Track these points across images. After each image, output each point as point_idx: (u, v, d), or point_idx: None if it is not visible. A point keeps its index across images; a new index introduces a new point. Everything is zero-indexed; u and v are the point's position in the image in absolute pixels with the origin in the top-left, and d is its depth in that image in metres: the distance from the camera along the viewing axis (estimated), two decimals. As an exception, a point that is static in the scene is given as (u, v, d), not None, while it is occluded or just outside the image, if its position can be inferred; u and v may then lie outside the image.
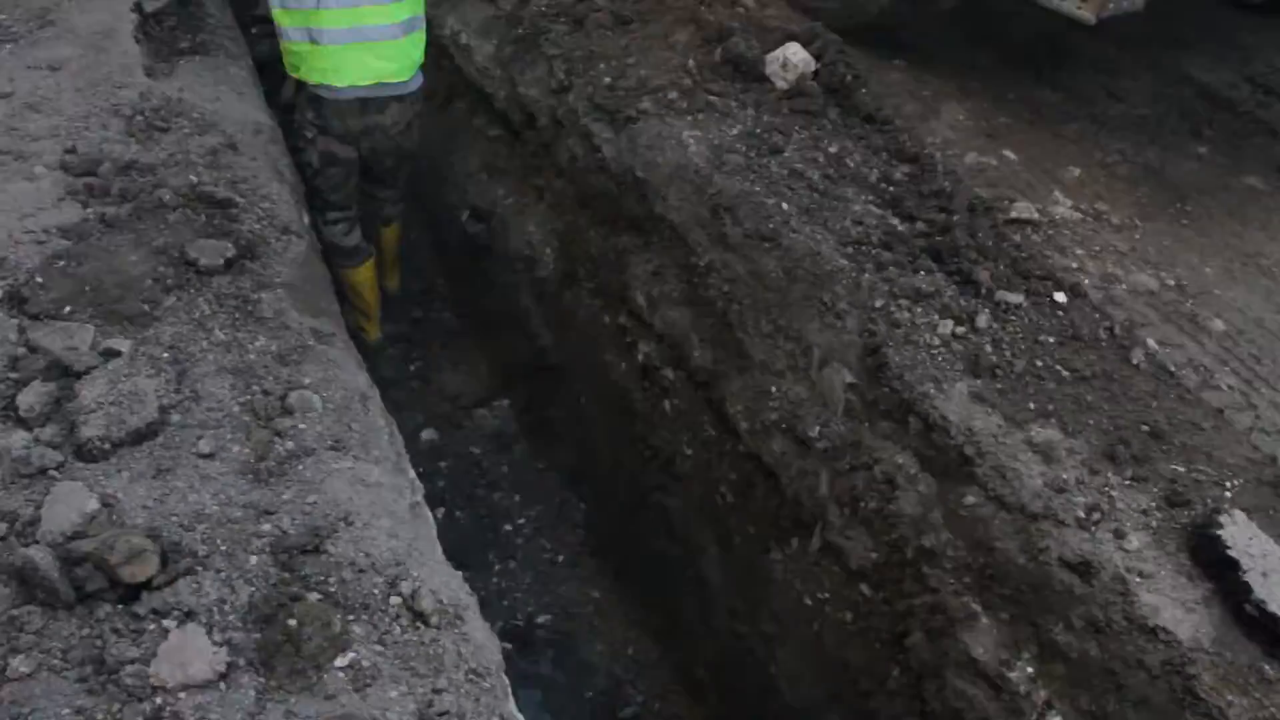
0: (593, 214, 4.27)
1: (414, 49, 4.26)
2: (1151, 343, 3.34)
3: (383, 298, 5.05)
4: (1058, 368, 3.11)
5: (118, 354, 2.73)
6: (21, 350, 2.74)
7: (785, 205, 3.55)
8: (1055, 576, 2.67)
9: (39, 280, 2.94)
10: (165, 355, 2.76)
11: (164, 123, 3.71)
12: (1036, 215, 3.87)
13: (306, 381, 2.77)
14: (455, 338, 5.43)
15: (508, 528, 4.67)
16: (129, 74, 3.99)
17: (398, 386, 4.86)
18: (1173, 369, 3.25)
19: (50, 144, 3.56)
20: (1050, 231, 3.85)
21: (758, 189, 3.61)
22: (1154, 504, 2.75)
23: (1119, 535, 2.67)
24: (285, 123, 4.51)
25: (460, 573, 2.53)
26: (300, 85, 4.29)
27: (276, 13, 4.11)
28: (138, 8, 4.42)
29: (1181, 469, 2.84)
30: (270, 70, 4.93)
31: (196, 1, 4.66)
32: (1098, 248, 3.84)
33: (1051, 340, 3.20)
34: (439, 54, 5.11)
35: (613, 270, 4.12)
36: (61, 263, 3.01)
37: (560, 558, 4.58)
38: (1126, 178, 4.28)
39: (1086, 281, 3.57)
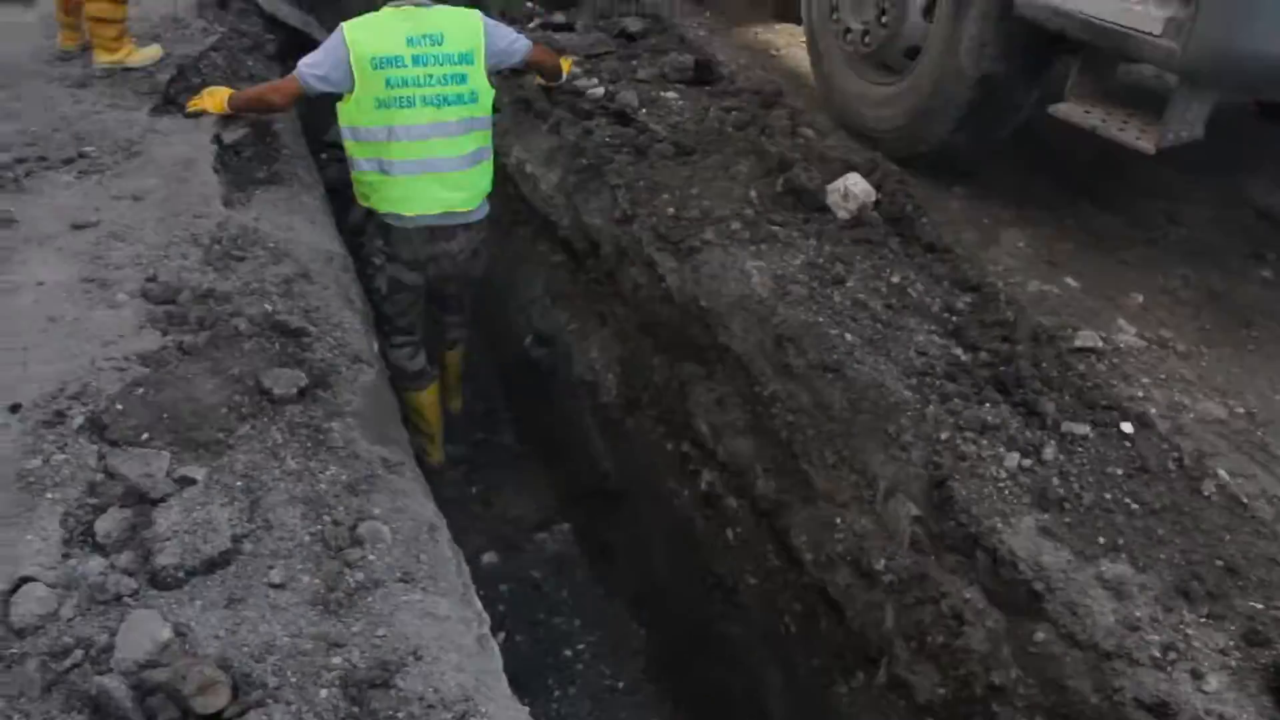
0: (656, 341, 4.32)
1: (481, 179, 4.37)
2: (1223, 473, 3.28)
3: (446, 419, 5.11)
4: (1127, 500, 3.07)
5: (193, 482, 2.79)
6: (100, 476, 2.81)
7: (849, 336, 3.58)
8: (1131, 718, 2.60)
9: (119, 407, 3.02)
10: (239, 484, 2.81)
11: (241, 252, 3.82)
12: (1100, 343, 3.85)
13: (376, 512, 2.80)
14: (517, 461, 5.46)
15: (568, 653, 4.63)
16: (208, 204, 4.13)
17: (459, 509, 4.87)
18: (1245, 500, 3.18)
19: (132, 272, 3.68)
20: (1115, 360, 3.82)
21: (821, 319, 3.65)
22: (1232, 643, 2.69)
23: (1196, 675, 2.60)
24: (353, 246, 4.63)
25: (526, 707, 2.51)
26: (369, 213, 4.40)
27: (348, 144, 4.23)
28: (217, 139, 4.60)
29: (1259, 606, 2.77)
30: (339, 194, 5.09)
31: (273, 133, 4.83)
32: (1164, 376, 3.80)
33: (1119, 472, 3.16)
34: (504, 181, 5.22)
35: (676, 398, 4.15)
36: (141, 390, 3.09)
37: (621, 684, 4.53)
38: (1190, 303, 4.25)
39: (1153, 411, 3.53)
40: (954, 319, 3.74)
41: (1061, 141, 4.55)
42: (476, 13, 4.27)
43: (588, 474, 4.91)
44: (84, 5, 5.29)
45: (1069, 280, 4.26)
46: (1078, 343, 3.80)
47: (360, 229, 4.68)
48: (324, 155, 5.92)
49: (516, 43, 4.39)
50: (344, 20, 4.11)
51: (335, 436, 3.03)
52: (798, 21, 5.77)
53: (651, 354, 4.36)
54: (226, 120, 4.64)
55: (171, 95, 4.99)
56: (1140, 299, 4.20)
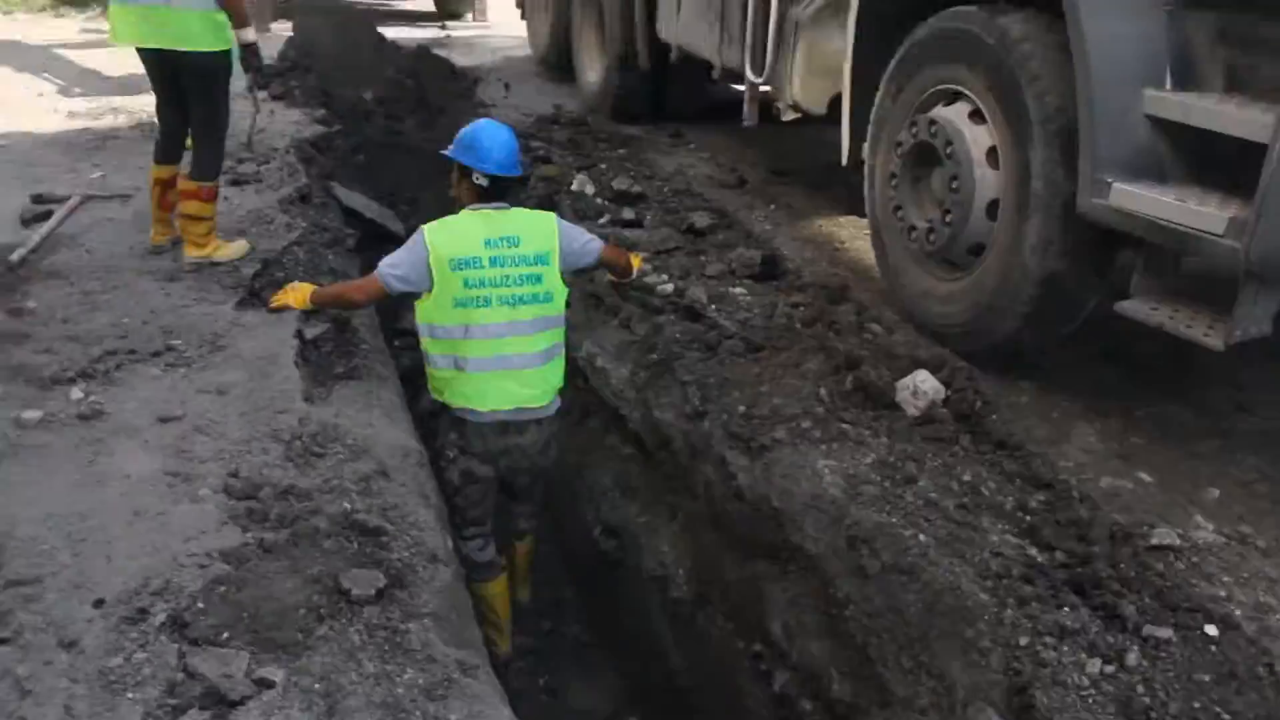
0: (727, 538, 4.32)
1: (554, 375, 4.46)
2: (1315, 680, 3.19)
3: (513, 609, 5.09)
4: (1217, 709, 2.97)
5: (271, 684, 2.81)
6: (180, 676, 2.84)
7: (922, 536, 3.56)
8: None
9: (200, 605, 3.07)
10: (317, 687, 2.82)
11: (320, 448, 3.91)
12: (1178, 541, 3.78)
13: (453, 718, 2.79)
14: (585, 652, 5.40)
15: None
16: (289, 399, 4.25)
17: (527, 701, 4.82)
18: (1342, 710, 3.09)
19: (215, 467, 3.78)
20: (1194, 558, 3.75)
21: (894, 520, 3.64)
22: None
23: None
24: (424, 433, 4.71)
25: None
26: (444, 407, 4.48)
27: (425, 341, 4.34)
28: (299, 334, 4.75)
29: (1362, 826, 2.67)
30: (411, 382, 5.21)
31: (351, 327, 4.98)
32: (1246, 574, 3.72)
33: (1207, 678, 3.07)
34: (574, 374, 5.29)
35: (748, 596, 4.12)
36: (222, 588, 3.14)
37: None
38: (1268, 496, 4.18)
39: (1238, 612, 3.45)
40: (1028, 518, 3.71)
41: (1126, 330, 4.56)
42: (552, 215, 4.45)
43: (657, 668, 4.84)
44: (177, 203, 5.58)
45: (1142, 475, 4.21)
46: (1155, 541, 3.73)
47: (431, 415, 4.78)
48: (396, 343, 6.09)
49: (590, 244, 4.54)
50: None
51: (412, 639, 3.05)
52: (862, 214, 5.91)
53: (723, 550, 4.35)
54: (308, 315, 4.81)
55: (256, 289, 5.20)
56: (1216, 493, 4.13)
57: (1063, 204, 4.28)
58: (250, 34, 5.47)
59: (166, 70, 5.38)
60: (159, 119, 5.73)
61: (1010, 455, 4.03)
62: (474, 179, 4.27)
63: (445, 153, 4.40)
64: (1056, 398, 4.68)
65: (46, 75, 10.35)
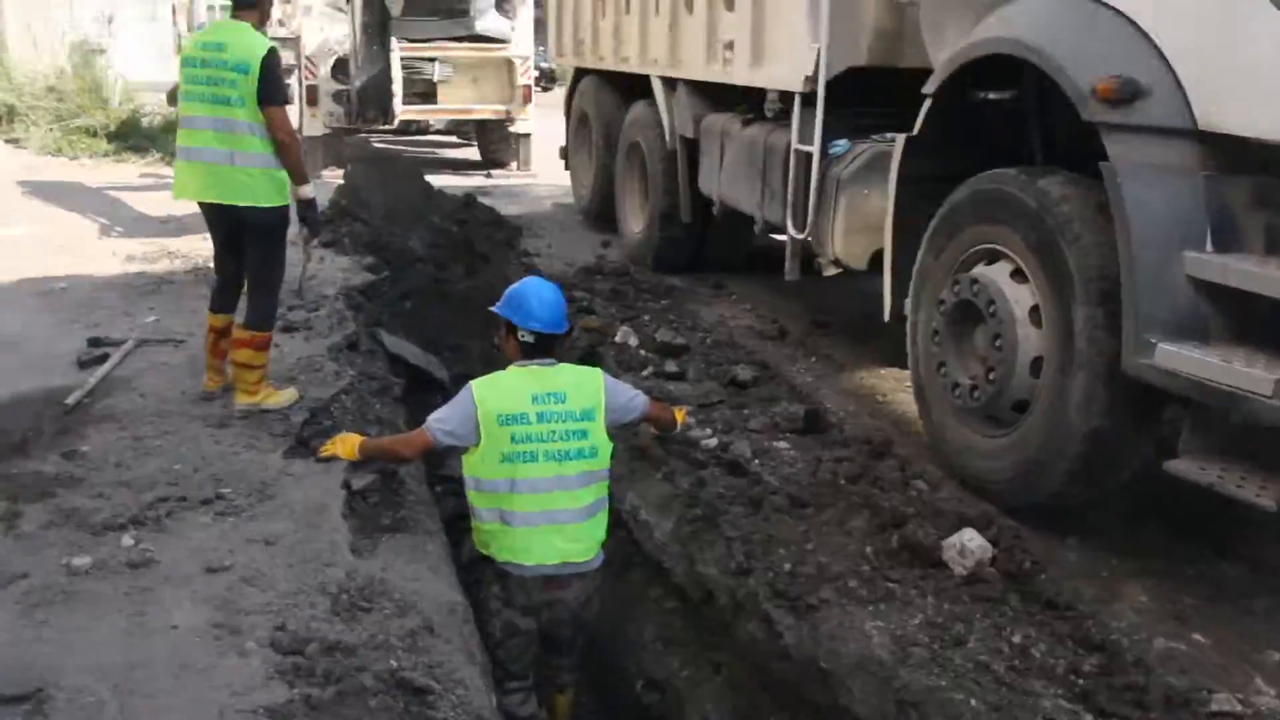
0: (772, 697, 4.26)
1: (597, 530, 4.45)
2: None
3: (554, 764, 5.01)
4: None
5: None
6: (224, 841, 2.81)
7: (974, 701, 3.50)
8: None
9: (247, 767, 3.05)
10: None
11: (367, 603, 3.91)
12: (1239, 708, 3.69)
13: None
14: (629, 810, 5.30)
15: None
16: (336, 551, 4.26)
17: None
18: None
19: (262, 620, 3.78)
20: (1257, 724, 3.68)
21: (944, 683, 3.59)
22: None
23: None
24: (466, 582, 4.70)
25: None
26: (488, 559, 4.49)
27: (471, 494, 4.35)
28: (346, 485, 4.79)
29: None
30: (453, 527, 5.21)
31: (398, 478, 5.02)
32: (1313, 743, 3.64)
33: None
34: (616, 524, 5.27)
35: (795, 758, 4.06)
36: (268, 748, 3.13)
37: None
38: (1331, 659, 4.10)
39: (1306, 785, 3.37)
40: (1081, 682, 3.65)
41: (1173, 485, 4.54)
42: (598, 372, 4.50)
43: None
44: (230, 351, 5.70)
45: (1197, 636, 4.14)
46: (1215, 707, 3.64)
47: (473, 564, 4.77)
48: (438, 489, 6.11)
49: (634, 400, 4.59)
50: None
51: (458, 804, 3.02)
52: (903, 366, 5.94)
53: (769, 710, 4.29)
54: (355, 466, 4.84)
55: (304, 438, 5.25)
56: (1277, 656, 4.05)
57: (1107, 362, 4.30)
58: (309, 190, 5.67)
59: (227, 223, 5.57)
60: (216, 269, 5.90)
61: (1061, 616, 3.99)
62: (520, 336, 4.35)
63: (493, 309, 4.49)
64: (1105, 555, 4.63)
65: (106, 218, 10.67)
